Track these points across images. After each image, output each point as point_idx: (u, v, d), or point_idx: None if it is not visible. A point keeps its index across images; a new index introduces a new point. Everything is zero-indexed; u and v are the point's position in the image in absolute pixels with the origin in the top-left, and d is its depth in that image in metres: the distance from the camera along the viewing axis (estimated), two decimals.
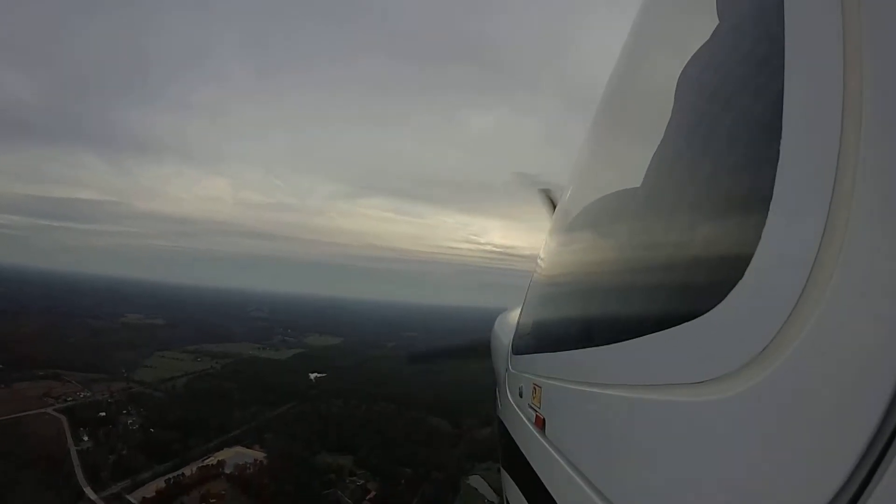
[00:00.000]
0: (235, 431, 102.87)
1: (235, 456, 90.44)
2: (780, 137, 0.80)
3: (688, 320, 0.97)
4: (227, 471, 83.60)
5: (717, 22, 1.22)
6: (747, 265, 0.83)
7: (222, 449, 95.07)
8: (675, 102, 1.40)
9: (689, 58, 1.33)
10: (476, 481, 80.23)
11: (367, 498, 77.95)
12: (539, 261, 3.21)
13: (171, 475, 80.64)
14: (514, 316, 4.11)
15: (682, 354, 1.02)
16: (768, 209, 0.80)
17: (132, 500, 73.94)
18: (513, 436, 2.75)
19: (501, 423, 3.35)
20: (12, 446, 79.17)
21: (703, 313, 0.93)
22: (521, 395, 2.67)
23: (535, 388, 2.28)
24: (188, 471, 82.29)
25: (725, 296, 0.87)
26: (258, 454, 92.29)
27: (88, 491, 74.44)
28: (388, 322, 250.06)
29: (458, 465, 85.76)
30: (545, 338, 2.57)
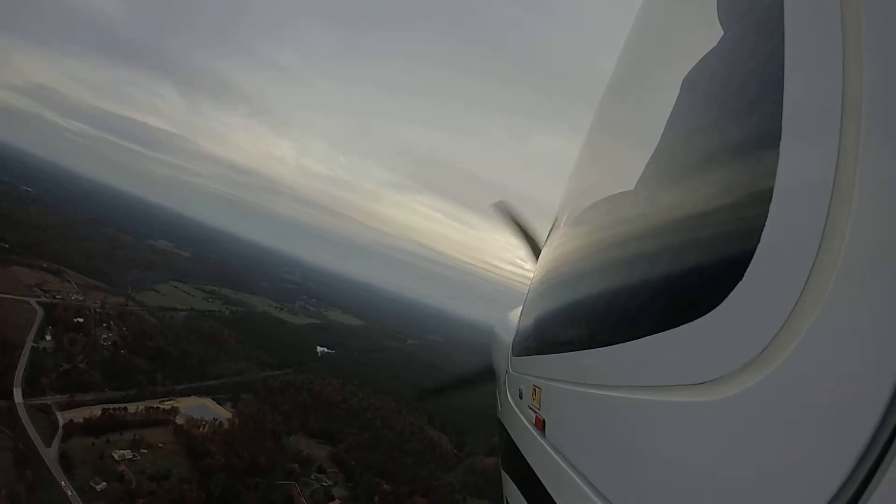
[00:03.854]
0: (212, 381, 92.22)
1: (198, 408, 78.88)
2: (780, 137, 0.82)
3: (688, 321, 0.99)
4: (179, 421, 72.03)
5: (717, 23, 1.26)
6: (747, 265, 0.84)
7: (190, 396, 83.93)
8: (675, 103, 1.44)
9: (689, 59, 1.36)
10: None
11: None
12: (540, 263, 3.40)
13: (112, 405, 69.55)
14: (514, 318, 4.22)
15: (683, 355, 1.04)
16: (768, 209, 0.81)
17: (62, 421, 62.94)
18: (513, 437, 2.85)
19: (501, 424, 3.49)
20: None
21: (703, 314, 0.94)
22: (521, 397, 2.75)
23: (535, 390, 2.37)
24: (135, 407, 71.10)
25: (725, 296, 0.88)
26: (225, 413, 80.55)
27: (17, 392, 64.26)
28: (414, 319, 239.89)
29: (448, 493, 70.64)
30: (545, 340, 2.65)
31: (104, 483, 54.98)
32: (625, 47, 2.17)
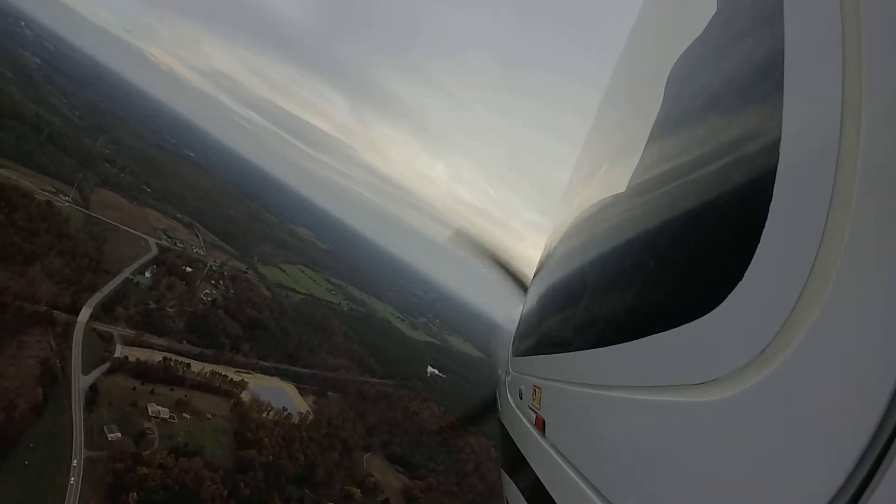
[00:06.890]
0: (303, 369, 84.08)
1: (274, 391, 69.43)
2: (780, 137, 0.84)
3: (688, 321, 1.02)
4: (245, 397, 63.02)
5: (716, 22, 1.31)
6: (747, 265, 0.87)
7: (271, 375, 75.29)
8: (674, 103, 1.50)
9: (688, 58, 1.43)
10: None
11: None
12: (540, 263, 3.55)
13: (175, 357, 62.42)
14: (514, 318, 4.38)
15: (682, 356, 1.07)
16: (768, 209, 0.84)
17: (118, 354, 57.91)
18: (513, 437, 2.97)
19: (502, 424, 3.65)
20: (82, 244, 70.12)
21: (703, 314, 0.97)
22: (521, 397, 2.86)
23: (535, 390, 2.48)
24: (200, 367, 63.57)
25: (725, 296, 0.91)
26: (302, 405, 70.39)
27: (83, 311, 60.38)
28: None
29: None
30: (545, 340, 2.74)
31: (118, 434, 47.09)
32: (625, 48, 2.27)
